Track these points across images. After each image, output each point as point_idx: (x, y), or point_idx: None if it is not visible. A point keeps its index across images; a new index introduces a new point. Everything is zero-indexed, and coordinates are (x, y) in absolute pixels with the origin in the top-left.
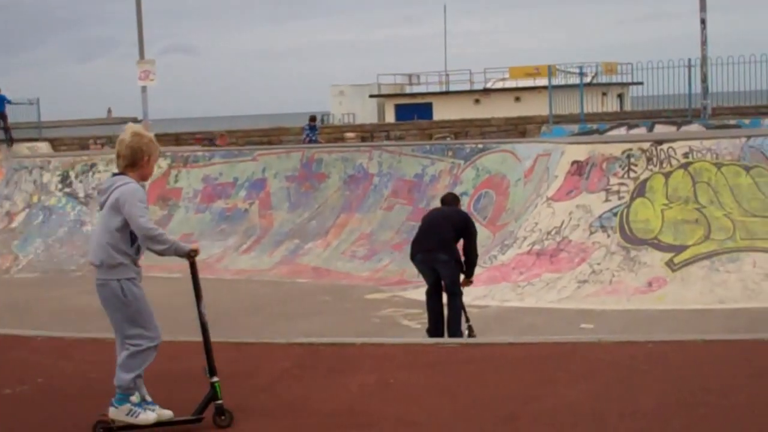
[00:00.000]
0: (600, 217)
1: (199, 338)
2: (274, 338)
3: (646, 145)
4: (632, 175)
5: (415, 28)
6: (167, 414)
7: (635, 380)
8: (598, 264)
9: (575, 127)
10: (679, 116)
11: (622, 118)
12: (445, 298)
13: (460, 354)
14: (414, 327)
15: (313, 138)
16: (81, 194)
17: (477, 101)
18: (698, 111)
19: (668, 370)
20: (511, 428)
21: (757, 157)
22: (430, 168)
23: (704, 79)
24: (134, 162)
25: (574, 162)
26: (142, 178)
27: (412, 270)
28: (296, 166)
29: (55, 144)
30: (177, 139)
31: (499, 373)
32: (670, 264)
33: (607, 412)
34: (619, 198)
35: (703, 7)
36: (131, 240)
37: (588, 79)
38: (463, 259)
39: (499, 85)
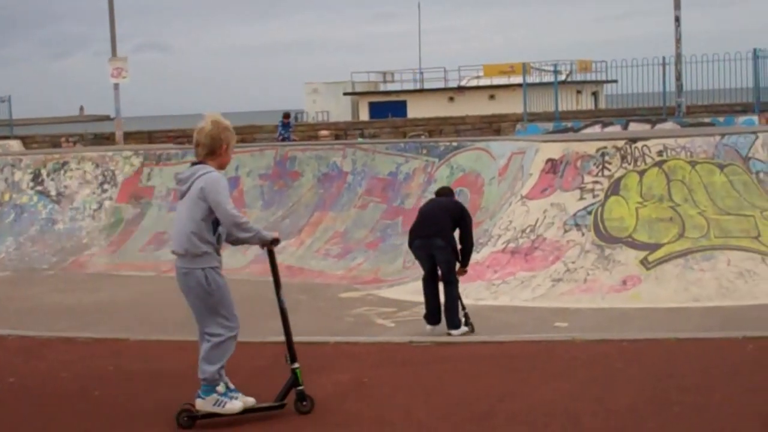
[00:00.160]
0: (574, 215)
1: (175, 337)
2: (248, 337)
3: (620, 143)
4: (606, 173)
5: (390, 25)
6: (250, 401)
7: (610, 379)
8: (573, 262)
9: (550, 125)
10: (653, 114)
11: (596, 116)
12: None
13: (434, 353)
14: (389, 326)
15: (287, 136)
16: (53, 192)
17: (451, 99)
18: (673, 109)
19: (643, 369)
20: (486, 427)
21: (731, 156)
22: (405, 166)
23: (678, 77)
24: (213, 150)
25: (549, 160)
26: (220, 166)
27: (386, 268)
28: (270, 164)
29: (27, 142)
30: (150, 137)
31: (473, 372)
32: (644, 262)
33: (582, 410)
34: (594, 196)
35: (677, 5)
36: (214, 229)
37: (563, 77)
38: (459, 247)
39: (474, 83)
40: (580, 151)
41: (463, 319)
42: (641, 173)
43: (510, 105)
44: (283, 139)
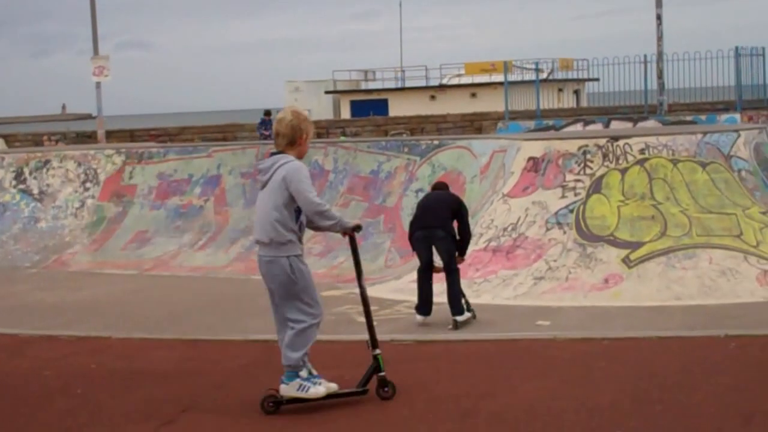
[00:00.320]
0: (556, 213)
1: (157, 335)
2: (230, 335)
3: (602, 142)
4: (588, 171)
5: (371, 24)
6: (333, 387)
7: (591, 377)
8: (555, 261)
9: (531, 123)
10: (635, 112)
11: (578, 115)
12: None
13: (416, 351)
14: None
15: (270, 134)
16: (35, 191)
17: (433, 97)
18: (654, 107)
19: (625, 367)
20: (467, 425)
21: (713, 154)
22: (386, 164)
23: (660, 75)
24: (293, 140)
25: (530, 158)
26: (299, 155)
27: (367, 267)
28: (251, 163)
29: (9, 140)
30: (132, 136)
31: (454, 370)
32: (626, 261)
33: (563, 408)
34: (575, 194)
35: (659, 4)
36: (296, 217)
37: (544, 76)
38: (458, 238)
39: (455, 81)
40: (561, 150)
41: (465, 306)
42: (623, 171)
43: (491, 103)
44: (265, 138)
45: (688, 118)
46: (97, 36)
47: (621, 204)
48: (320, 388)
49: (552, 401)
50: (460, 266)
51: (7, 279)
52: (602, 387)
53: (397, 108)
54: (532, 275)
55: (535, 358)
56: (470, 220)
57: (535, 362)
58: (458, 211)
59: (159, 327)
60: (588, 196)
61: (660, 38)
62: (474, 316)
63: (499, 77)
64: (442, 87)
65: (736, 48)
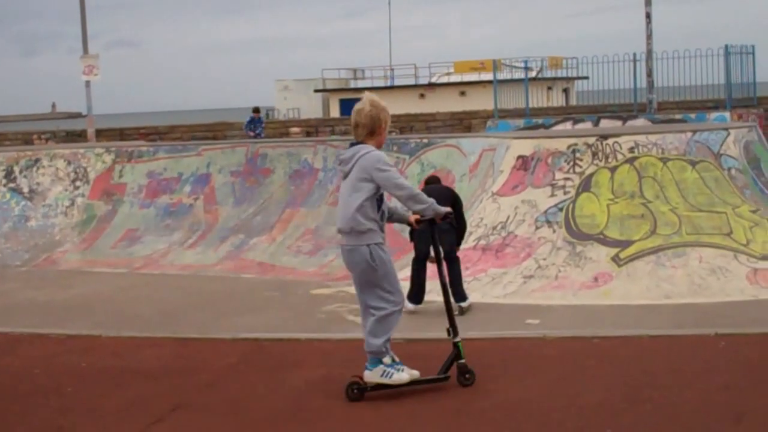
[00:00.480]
0: (545, 212)
1: (147, 334)
2: (220, 334)
3: (591, 140)
4: (578, 169)
5: (360, 22)
6: (415, 373)
7: (581, 376)
8: (544, 259)
9: (521, 122)
10: (624, 111)
11: (567, 113)
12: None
13: (404, 350)
14: (360, 323)
15: (260, 132)
16: (25, 189)
17: (422, 96)
18: (644, 105)
19: (614, 366)
20: (456, 424)
21: (702, 152)
22: None
23: (650, 74)
24: (373, 130)
25: (520, 157)
26: (378, 145)
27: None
28: (241, 161)
29: None
30: (121, 134)
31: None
32: (615, 259)
33: (553, 407)
34: (565, 193)
35: (648, 2)
36: (378, 206)
37: (533, 74)
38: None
39: (444, 79)
40: (551, 148)
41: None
42: (612, 170)
43: (481, 102)
44: (256, 135)
45: (678, 117)
46: (86, 35)
47: (610, 202)
48: (403, 375)
49: (541, 400)
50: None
51: None
52: (592, 386)
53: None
54: (521, 274)
55: (525, 356)
56: None
57: (524, 361)
58: (454, 203)
59: (149, 325)
60: (577, 194)
61: (649, 36)
62: (461, 312)
63: (488, 76)
64: (432, 85)
65: (726, 46)
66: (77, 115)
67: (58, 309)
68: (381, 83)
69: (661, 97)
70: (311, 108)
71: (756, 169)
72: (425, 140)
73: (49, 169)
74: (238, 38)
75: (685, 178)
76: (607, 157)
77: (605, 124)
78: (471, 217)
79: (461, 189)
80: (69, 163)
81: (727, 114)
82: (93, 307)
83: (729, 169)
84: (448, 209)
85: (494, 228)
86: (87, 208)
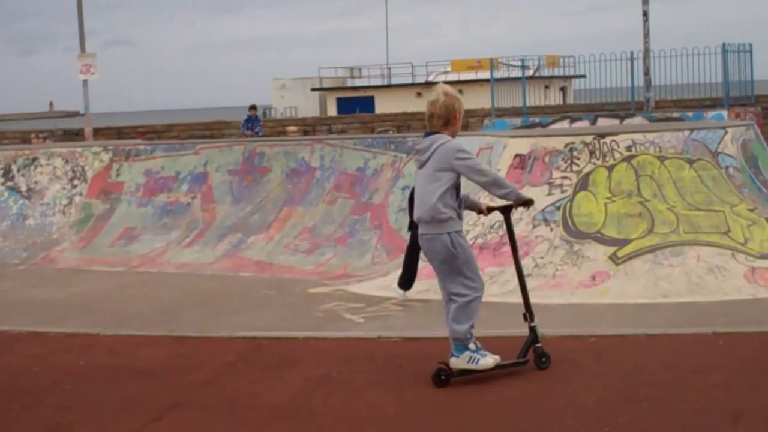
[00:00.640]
0: (543, 210)
1: (145, 332)
2: (217, 332)
3: (588, 139)
4: (575, 168)
5: (357, 21)
6: (498, 358)
7: (578, 375)
8: (542, 258)
9: (518, 121)
10: (622, 109)
11: (564, 111)
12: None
13: (402, 348)
14: (357, 321)
15: (258, 131)
16: (23, 188)
17: (419, 94)
18: (641, 104)
19: (612, 365)
20: (453, 422)
21: (700, 150)
22: (373, 161)
23: (647, 72)
24: (448, 120)
25: (517, 155)
26: (453, 134)
27: (354, 264)
28: (238, 160)
29: None
30: (119, 133)
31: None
32: (613, 258)
33: (550, 406)
34: (562, 191)
35: (645, 0)
36: (456, 194)
37: (530, 72)
38: None
39: (441, 78)
40: (548, 147)
41: None
42: (610, 168)
43: (478, 100)
44: (254, 134)
45: (675, 115)
46: (83, 33)
47: (608, 201)
48: (488, 360)
49: (539, 398)
50: None
51: None
52: (589, 384)
53: (384, 105)
54: None
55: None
56: None
57: None
58: None
59: (147, 324)
60: (575, 193)
61: (647, 35)
62: None
63: (485, 74)
64: (429, 84)
65: (723, 44)
66: (74, 114)
67: (56, 307)
68: (378, 82)
69: (658, 96)
70: (308, 107)
71: (753, 168)
72: None
73: (46, 168)
74: (235, 37)
75: (683, 177)
76: (604, 156)
77: (602, 122)
78: (468, 216)
79: None
80: (67, 161)
81: (724, 112)
82: (91, 306)
83: (726, 167)
84: (530, 197)
85: (491, 226)
86: (85, 207)
